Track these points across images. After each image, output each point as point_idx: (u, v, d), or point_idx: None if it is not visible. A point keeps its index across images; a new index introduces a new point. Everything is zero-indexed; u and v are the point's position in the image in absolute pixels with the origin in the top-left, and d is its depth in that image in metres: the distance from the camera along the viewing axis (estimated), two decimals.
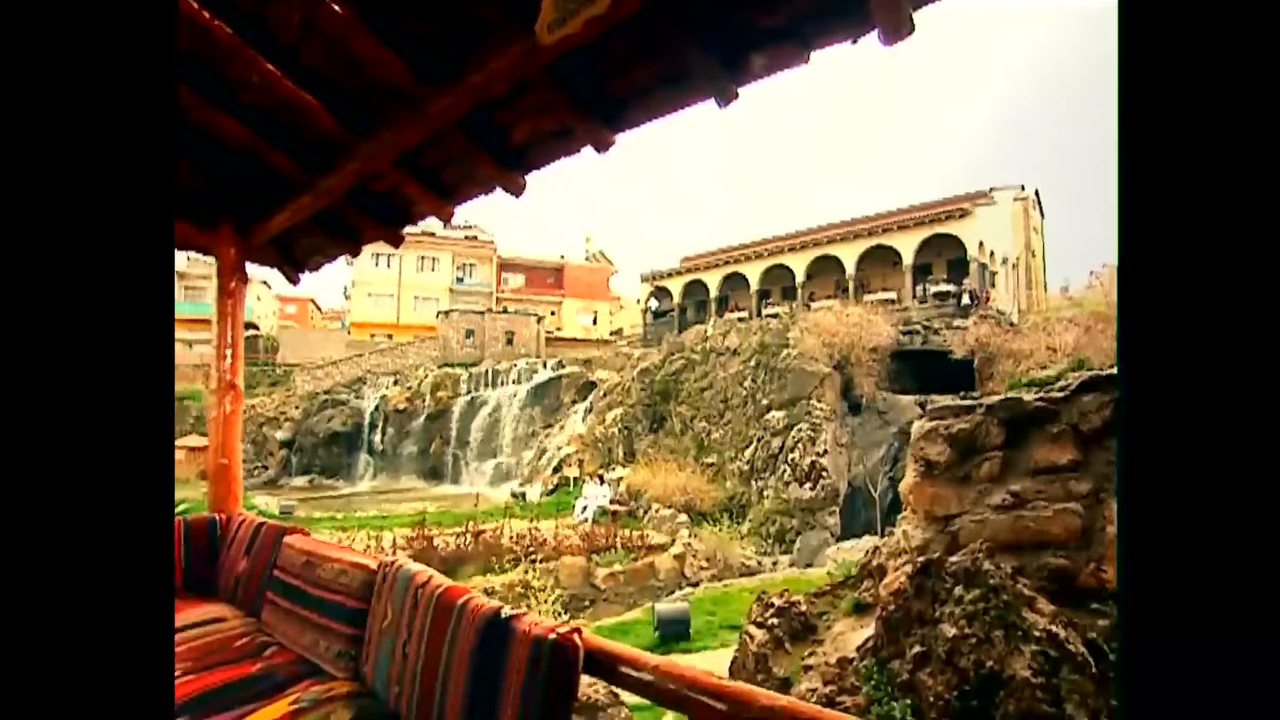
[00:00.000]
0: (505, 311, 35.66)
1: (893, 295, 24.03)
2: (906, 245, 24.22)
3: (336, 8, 2.02)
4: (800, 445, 16.21)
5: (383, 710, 1.83)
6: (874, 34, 1.57)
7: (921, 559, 2.55)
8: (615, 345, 34.80)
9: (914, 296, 23.63)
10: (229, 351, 3.76)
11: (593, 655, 1.48)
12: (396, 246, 3.43)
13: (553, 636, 1.44)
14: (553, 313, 40.47)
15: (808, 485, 15.78)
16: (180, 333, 34.32)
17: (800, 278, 26.93)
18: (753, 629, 3.30)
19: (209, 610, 2.94)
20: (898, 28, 1.49)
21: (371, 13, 2.05)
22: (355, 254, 3.71)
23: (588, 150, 2.27)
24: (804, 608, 3.40)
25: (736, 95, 1.85)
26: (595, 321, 42.55)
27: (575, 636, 1.47)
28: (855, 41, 1.65)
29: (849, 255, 25.67)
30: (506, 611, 1.57)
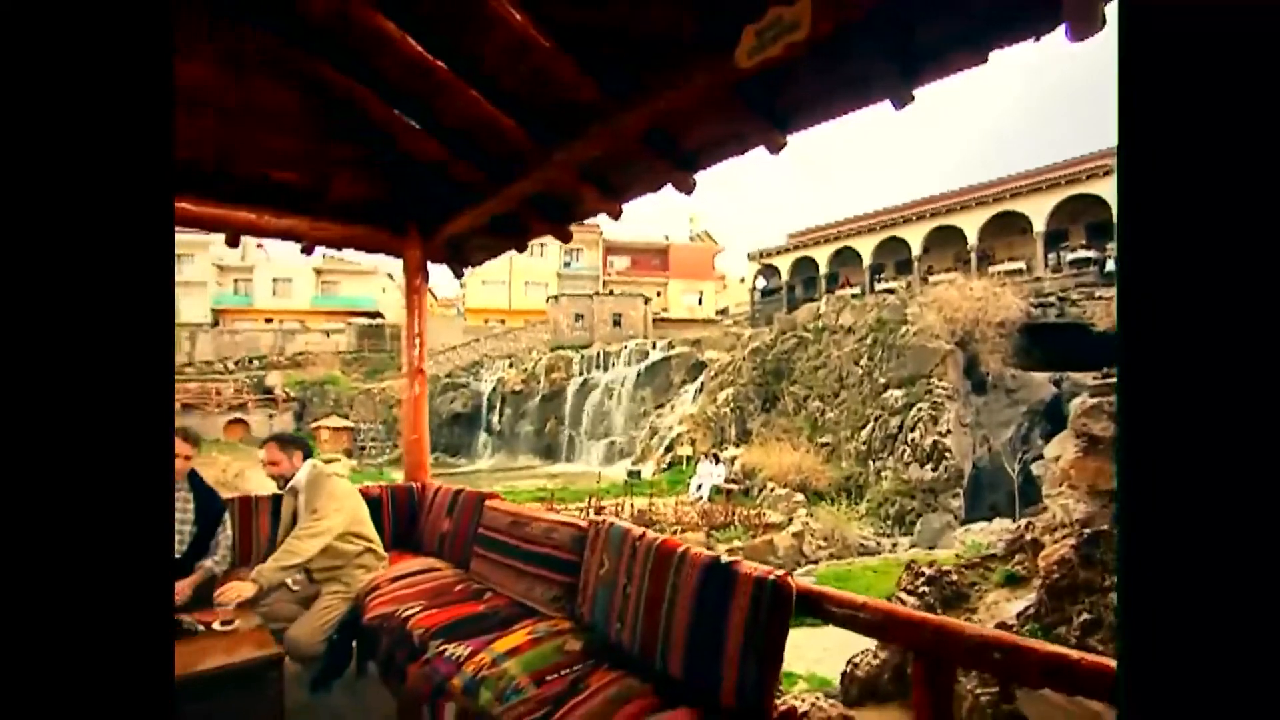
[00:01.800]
0: (612, 294, 36.44)
1: (1020, 265, 22.49)
2: (1038, 210, 22.50)
3: (542, 41, 2.33)
4: (921, 425, 15.68)
5: (605, 641, 2.17)
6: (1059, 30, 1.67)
7: (1087, 531, 2.60)
8: (723, 325, 34.79)
9: (1045, 265, 22.02)
10: (417, 340, 4.29)
11: (803, 595, 1.73)
12: (566, 241, 3.78)
13: (772, 578, 1.71)
14: (658, 293, 40.90)
15: (929, 466, 15.27)
16: (320, 324, 37.70)
17: (916, 251, 25.74)
18: (904, 595, 3.44)
19: (421, 562, 3.44)
20: (1090, 24, 1.57)
21: (571, 41, 2.35)
22: (521, 249, 4.13)
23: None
24: (954, 577, 3.50)
25: (912, 98, 1.98)
26: (700, 301, 42.62)
27: (789, 579, 1.72)
28: (1038, 39, 1.75)
29: (971, 224, 24.22)
30: (725, 558, 1.84)
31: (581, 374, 28.54)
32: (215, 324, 37.54)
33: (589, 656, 2.09)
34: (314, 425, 27.11)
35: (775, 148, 2.35)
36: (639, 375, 25.98)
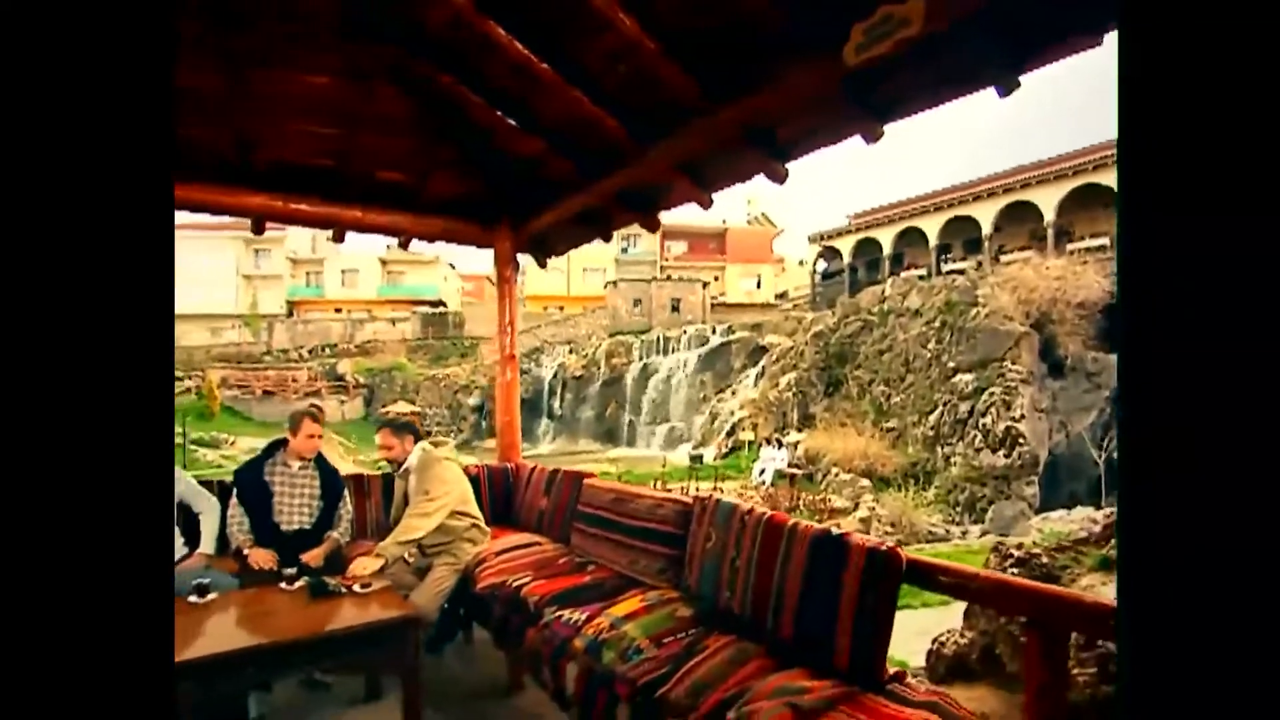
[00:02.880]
0: (670, 279, 36.45)
1: (1103, 241, 21.37)
2: None
3: (649, 43, 2.45)
4: (993, 410, 15.21)
5: (714, 608, 2.31)
6: None
7: None
8: (782, 309, 34.41)
9: None
10: (508, 328, 4.50)
11: (912, 565, 1.82)
12: (654, 231, 3.91)
13: (884, 549, 1.81)
14: (716, 278, 40.65)
15: (1001, 452, 14.82)
16: (386, 313, 39.09)
17: (987, 229, 24.78)
18: None
19: (521, 537, 3.66)
20: None
21: (677, 44, 2.45)
22: (607, 239, 4.27)
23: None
24: (1044, 560, 3.50)
25: (1019, 84, 2.00)
26: (759, 285, 42.12)
27: (899, 550, 1.82)
28: None
29: (1048, 200, 23.13)
30: (835, 530, 1.95)
31: (641, 359, 28.77)
32: (290, 314, 39.52)
33: (699, 622, 2.24)
34: (382, 410, 28.22)
35: (873, 137, 2.40)
36: (699, 360, 26.02)
